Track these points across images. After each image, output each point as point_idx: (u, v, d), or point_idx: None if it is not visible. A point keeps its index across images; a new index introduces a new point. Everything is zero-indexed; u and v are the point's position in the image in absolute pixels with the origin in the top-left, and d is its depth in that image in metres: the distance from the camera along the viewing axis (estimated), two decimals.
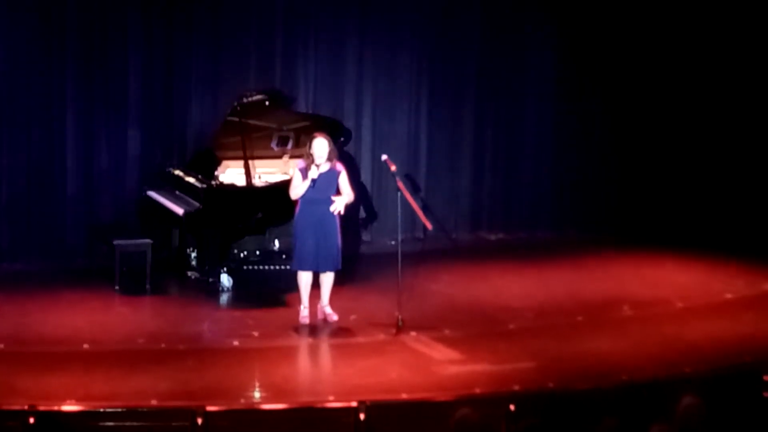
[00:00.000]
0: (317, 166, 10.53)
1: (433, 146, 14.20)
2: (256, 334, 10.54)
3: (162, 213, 12.15)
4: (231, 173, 12.16)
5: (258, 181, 11.92)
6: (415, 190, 13.25)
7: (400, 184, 10.77)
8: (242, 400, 9.02)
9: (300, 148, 11.80)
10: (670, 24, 14.54)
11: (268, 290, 11.90)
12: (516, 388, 9.04)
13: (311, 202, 10.57)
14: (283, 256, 12.61)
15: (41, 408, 7.75)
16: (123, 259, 11.78)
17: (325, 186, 10.57)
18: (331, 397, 8.96)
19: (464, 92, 14.29)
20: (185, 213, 11.70)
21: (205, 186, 11.81)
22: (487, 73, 14.30)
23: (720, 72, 14.62)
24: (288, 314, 11.00)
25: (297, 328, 10.73)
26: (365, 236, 13.82)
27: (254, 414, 8.40)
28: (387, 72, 13.92)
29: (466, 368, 9.79)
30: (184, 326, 10.79)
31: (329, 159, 10.57)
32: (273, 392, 9.23)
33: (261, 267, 12.74)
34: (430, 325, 10.77)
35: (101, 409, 8.10)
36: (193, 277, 12.23)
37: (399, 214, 10.87)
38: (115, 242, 11.78)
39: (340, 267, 10.74)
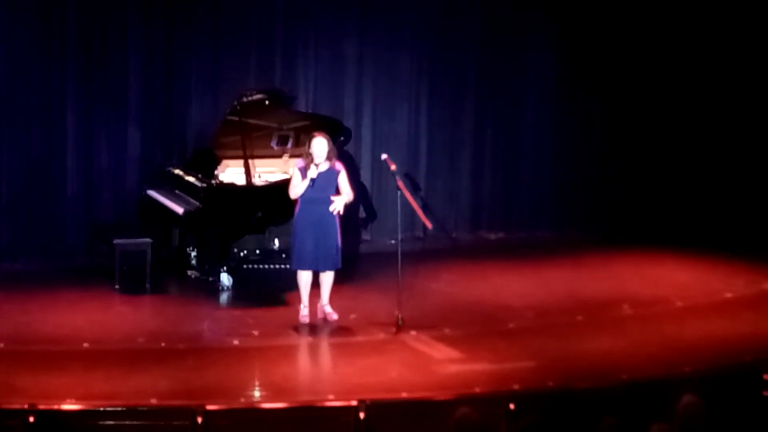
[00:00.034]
0: (316, 165, 10.53)
1: (433, 146, 14.20)
2: (256, 333, 10.54)
3: (162, 212, 12.15)
4: (231, 172, 12.16)
5: (258, 181, 11.92)
6: (415, 189, 13.25)
7: (400, 184, 10.77)
8: (242, 399, 9.01)
9: (300, 147, 11.80)
10: (670, 24, 14.55)
11: (268, 289, 11.90)
12: (516, 387, 9.04)
13: (311, 202, 10.57)
14: (283, 255, 12.61)
15: (41, 407, 7.76)
16: (123, 259, 11.78)
17: (325, 185, 10.58)
18: (331, 396, 8.95)
19: (464, 92, 14.29)
20: (185, 212, 11.70)
21: (205, 185, 11.81)
22: (487, 73, 14.30)
23: (720, 72, 14.62)
24: (288, 313, 11.00)
25: (297, 327, 10.73)
26: (365, 235, 13.82)
27: (254, 413, 8.41)
28: (387, 72, 13.93)
29: (466, 367, 9.79)
30: (184, 325, 10.79)
31: (328, 158, 10.58)
32: (273, 391, 9.23)
33: (261, 266, 12.74)
34: (430, 324, 10.77)
35: (101, 408, 8.11)
36: (193, 276, 12.23)
37: (399, 213, 10.87)
38: (115, 241, 11.79)
39: (339, 266, 10.74)
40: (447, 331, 10.65)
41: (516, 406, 7.77)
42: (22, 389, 8.87)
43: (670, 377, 9.07)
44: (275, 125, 12.33)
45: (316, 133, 10.68)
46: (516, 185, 14.58)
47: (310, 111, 13.21)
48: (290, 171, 11.34)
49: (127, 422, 7.90)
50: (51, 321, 10.72)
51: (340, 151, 11.04)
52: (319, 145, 10.54)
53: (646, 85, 14.64)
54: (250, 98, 11.91)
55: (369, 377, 9.47)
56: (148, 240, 11.82)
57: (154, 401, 8.71)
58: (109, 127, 12.83)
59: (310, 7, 13.55)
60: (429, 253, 12.98)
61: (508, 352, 10.12)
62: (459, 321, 10.92)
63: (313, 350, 10.58)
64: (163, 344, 10.19)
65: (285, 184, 11.00)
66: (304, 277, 10.75)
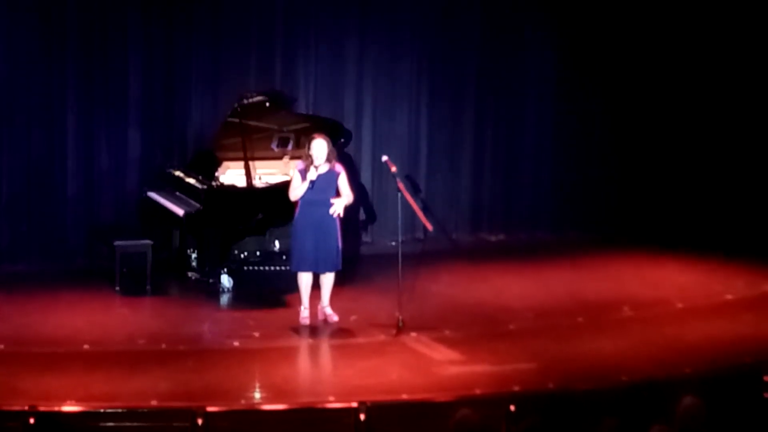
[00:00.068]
0: (316, 167, 10.53)
1: (433, 146, 14.20)
2: (256, 334, 10.54)
3: (162, 214, 12.15)
4: (231, 174, 12.16)
5: (258, 182, 11.92)
6: (415, 191, 13.25)
7: (401, 185, 10.77)
8: (243, 401, 9.01)
9: (300, 149, 11.79)
10: (670, 24, 14.54)
11: (269, 291, 11.90)
12: (516, 388, 9.03)
13: (310, 204, 10.57)
14: (284, 257, 12.60)
15: (41, 408, 7.77)
16: (123, 260, 11.78)
17: (325, 187, 10.57)
18: (331, 398, 8.95)
19: (464, 92, 14.28)
20: (185, 214, 11.70)
21: (205, 187, 11.81)
22: (487, 73, 14.29)
23: (720, 72, 14.61)
24: (288, 315, 11.00)
25: (297, 328, 10.73)
26: (366, 237, 13.81)
27: (254, 414, 8.42)
28: (387, 72, 13.92)
29: (466, 369, 9.79)
30: (185, 327, 10.79)
31: (328, 160, 10.57)
32: (273, 393, 9.23)
33: (261, 268, 12.74)
34: (431, 325, 10.76)
35: (101, 410, 8.12)
36: (193, 277, 12.23)
37: (399, 215, 10.87)
38: (116, 243, 11.78)
39: (340, 268, 10.74)
40: (447, 332, 10.65)
41: (516, 407, 7.78)
42: (23, 391, 8.87)
43: (670, 379, 9.06)
44: (275, 127, 12.33)
45: (315, 135, 10.67)
46: (516, 186, 14.57)
47: (310, 111, 13.21)
48: (290, 173, 11.34)
49: (127, 424, 7.91)
50: (51, 322, 10.72)
51: (340, 153, 11.03)
52: (319, 147, 10.53)
53: (645, 85, 14.63)
54: (250, 100, 11.92)
55: (369, 379, 9.47)
56: (148, 242, 11.82)
57: (154, 403, 8.71)
58: (109, 128, 12.83)
59: (310, 7, 13.54)
60: (429, 254, 12.98)
61: (508, 354, 10.11)
62: (459, 322, 10.91)
63: (314, 352, 10.58)
64: (163, 346, 10.19)
65: (285, 185, 10.99)
66: (305, 279, 10.74)
